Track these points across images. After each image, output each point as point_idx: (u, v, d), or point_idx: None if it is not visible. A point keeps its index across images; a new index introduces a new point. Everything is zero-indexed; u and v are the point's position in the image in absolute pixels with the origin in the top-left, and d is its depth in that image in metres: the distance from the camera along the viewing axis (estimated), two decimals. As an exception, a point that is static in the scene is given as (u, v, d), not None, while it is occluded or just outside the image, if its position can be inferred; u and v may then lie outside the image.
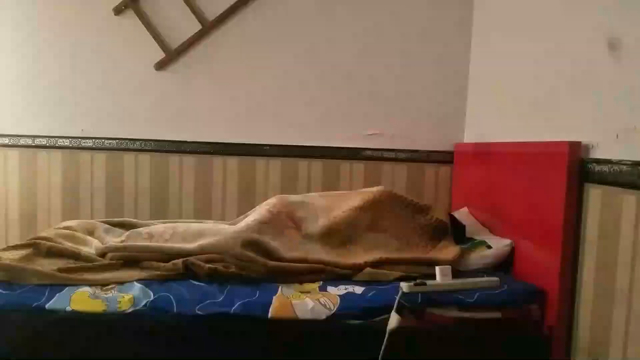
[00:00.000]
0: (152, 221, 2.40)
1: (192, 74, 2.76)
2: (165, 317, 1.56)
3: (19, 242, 1.96)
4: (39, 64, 2.77)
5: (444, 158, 2.75)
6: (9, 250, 1.85)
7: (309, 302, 1.59)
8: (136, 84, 2.78)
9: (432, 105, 2.75)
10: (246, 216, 2.16)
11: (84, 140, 2.79)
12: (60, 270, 1.70)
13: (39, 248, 1.87)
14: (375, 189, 2.16)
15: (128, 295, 1.61)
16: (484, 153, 2.32)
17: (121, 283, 1.69)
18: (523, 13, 2.09)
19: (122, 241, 1.93)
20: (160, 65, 2.74)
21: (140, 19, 2.70)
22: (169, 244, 1.88)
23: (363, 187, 2.75)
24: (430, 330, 1.60)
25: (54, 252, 1.86)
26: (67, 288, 1.63)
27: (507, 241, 1.90)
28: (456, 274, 1.72)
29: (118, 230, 2.22)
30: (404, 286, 1.59)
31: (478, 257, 1.87)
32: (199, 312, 1.56)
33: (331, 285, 1.72)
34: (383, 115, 2.76)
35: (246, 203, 2.72)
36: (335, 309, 1.57)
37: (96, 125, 2.79)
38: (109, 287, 1.67)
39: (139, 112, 2.79)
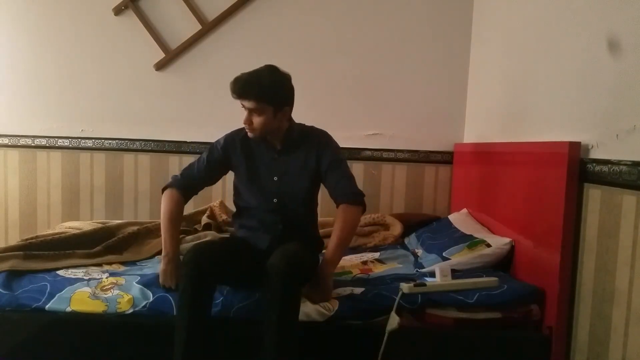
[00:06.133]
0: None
1: (191, 74, 2.76)
2: (164, 319, 1.56)
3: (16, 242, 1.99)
4: (39, 65, 2.77)
5: (443, 158, 2.76)
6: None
7: (308, 304, 1.58)
8: (136, 84, 2.78)
9: (432, 106, 2.75)
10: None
11: (84, 140, 2.79)
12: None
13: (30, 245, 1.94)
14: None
15: (128, 296, 1.61)
16: (484, 153, 2.32)
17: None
18: (523, 13, 2.09)
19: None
20: (160, 65, 2.74)
21: (140, 19, 2.70)
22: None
23: (362, 187, 2.75)
24: (430, 331, 1.60)
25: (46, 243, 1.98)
26: (67, 288, 1.64)
27: (507, 240, 1.90)
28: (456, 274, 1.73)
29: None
30: (404, 287, 1.59)
31: (477, 256, 1.87)
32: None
33: (331, 286, 1.72)
34: (383, 115, 2.76)
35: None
36: (334, 311, 1.57)
37: (96, 125, 2.79)
38: (109, 287, 1.68)
39: (139, 112, 2.79)
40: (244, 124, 1.67)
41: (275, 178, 1.74)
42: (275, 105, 1.65)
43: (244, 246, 1.72)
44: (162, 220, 1.72)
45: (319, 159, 1.74)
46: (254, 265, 1.60)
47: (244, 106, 1.65)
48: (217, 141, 1.83)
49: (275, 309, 1.42)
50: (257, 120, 1.65)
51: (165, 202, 1.74)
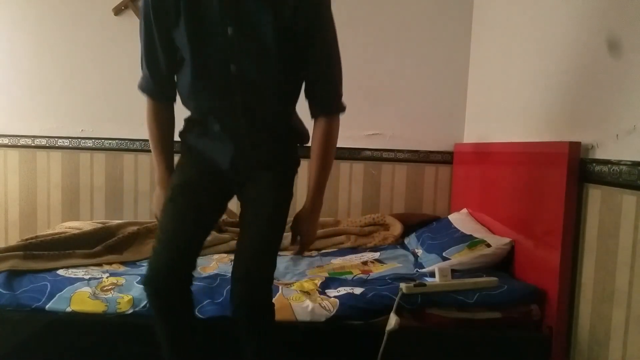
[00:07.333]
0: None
1: (191, 74, 2.76)
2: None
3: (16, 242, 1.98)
4: (39, 64, 2.77)
5: (443, 158, 2.76)
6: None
7: (308, 304, 1.59)
8: (136, 84, 2.76)
9: (432, 106, 2.75)
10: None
11: (83, 140, 2.79)
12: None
13: (30, 245, 1.94)
14: None
15: (128, 296, 1.61)
16: (484, 153, 2.32)
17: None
18: (523, 13, 2.08)
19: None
20: (160, 66, 2.74)
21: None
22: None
23: (362, 187, 2.76)
24: (430, 331, 1.60)
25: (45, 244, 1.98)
26: (67, 288, 1.64)
27: (507, 239, 1.90)
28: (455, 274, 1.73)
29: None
30: (404, 287, 1.59)
31: (477, 256, 1.87)
32: (198, 315, 1.55)
33: (330, 288, 1.72)
34: (383, 115, 2.76)
35: (246, 203, 2.72)
36: (334, 311, 1.57)
37: (96, 125, 2.79)
38: (109, 287, 1.68)
39: (139, 112, 2.77)
40: None
41: (230, 30, 1.19)
42: None
43: (202, 209, 1.41)
44: (151, 144, 1.44)
45: (294, 12, 1.22)
46: (220, 202, 1.44)
47: None
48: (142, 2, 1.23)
49: (251, 345, 1.32)
50: None
51: (151, 123, 1.41)
